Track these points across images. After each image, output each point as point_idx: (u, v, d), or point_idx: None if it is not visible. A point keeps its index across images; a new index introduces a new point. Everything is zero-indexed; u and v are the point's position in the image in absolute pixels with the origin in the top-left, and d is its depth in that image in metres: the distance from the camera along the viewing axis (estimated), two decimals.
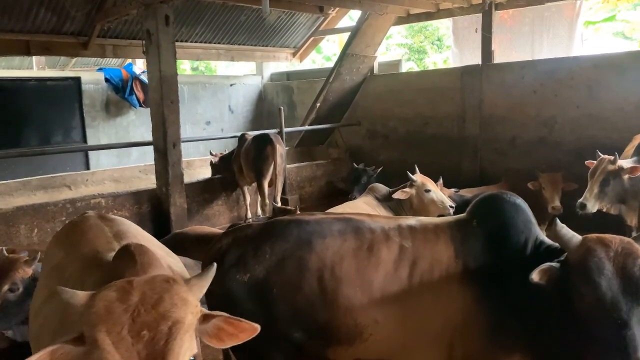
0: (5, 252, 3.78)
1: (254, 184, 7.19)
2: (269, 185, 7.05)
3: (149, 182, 7.18)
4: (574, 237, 2.05)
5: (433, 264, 2.33)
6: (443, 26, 20.16)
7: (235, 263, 2.40)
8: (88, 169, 9.05)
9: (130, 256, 1.86)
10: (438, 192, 5.40)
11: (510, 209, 2.35)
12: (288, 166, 8.14)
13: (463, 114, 8.22)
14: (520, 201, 2.39)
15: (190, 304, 1.52)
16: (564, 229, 2.07)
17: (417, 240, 2.40)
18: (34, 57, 11.44)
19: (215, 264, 1.71)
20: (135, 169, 7.99)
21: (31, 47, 7.75)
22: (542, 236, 2.32)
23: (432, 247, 2.37)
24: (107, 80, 9.97)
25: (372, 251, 2.36)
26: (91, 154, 9.61)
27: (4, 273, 3.50)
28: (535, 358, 2.25)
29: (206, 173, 8.39)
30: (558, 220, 2.10)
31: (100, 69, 10.73)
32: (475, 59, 8.50)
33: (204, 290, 1.64)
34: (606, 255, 1.92)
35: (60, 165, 8.40)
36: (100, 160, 9.77)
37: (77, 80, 9.49)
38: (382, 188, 6.31)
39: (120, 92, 9.99)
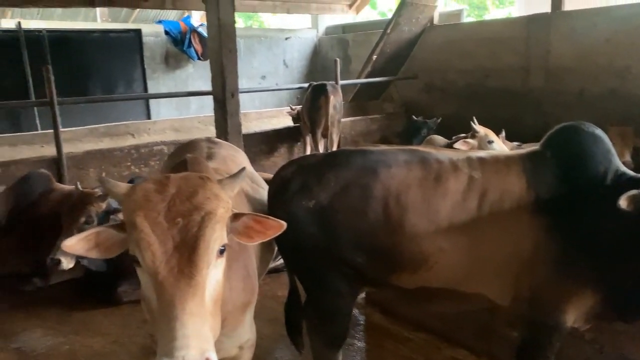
0: (79, 187, 4.01)
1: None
2: (323, 136, 7.07)
3: (208, 132, 7.34)
4: None
5: (503, 195, 2.27)
6: None
7: (300, 190, 2.42)
8: (149, 119, 9.35)
9: (183, 165, 2.10)
10: (501, 144, 5.24)
11: (588, 139, 2.24)
12: (342, 120, 8.09)
13: (527, 65, 7.84)
14: (599, 132, 2.27)
15: (221, 199, 1.62)
16: None
17: (487, 171, 2.34)
18: (98, 10, 11.75)
19: (245, 168, 1.83)
20: (195, 119, 8.18)
21: None
22: (624, 168, 2.20)
23: (503, 178, 2.30)
24: (166, 32, 10.13)
25: (439, 181, 2.32)
26: (152, 105, 9.89)
27: (80, 206, 3.72)
28: (608, 293, 2.19)
29: (262, 126, 8.49)
30: None
31: (159, 22, 10.90)
32: (544, 7, 8.02)
33: (236, 190, 1.76)
34: None
35: (123, 115, 8.69)
36: (160, 112, 10.06)
37: (138, 32, 9.69)
38: (441, 140, 6.19)
39: (179, 44, 10.14)
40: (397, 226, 2.29)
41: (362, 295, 4.29)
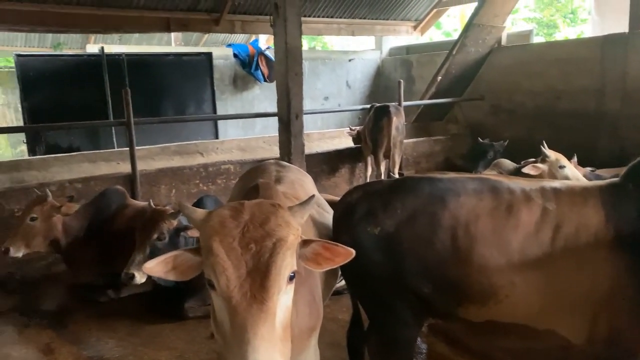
0: (152, 204, 4.20)
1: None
2: (385, 157, 7.06)
3: (272, 152, 7.50)
4: None
5: (580, 228, 2.16)
6: None
7: (365, 216, 2.42)
8: (217, 138, 9.70)
9: (256, 189, 2.19)
10: (573, 169, 5.00)
11: None
12: (405, 141, 8.05)
13: (602, 87, 7.50)
14: None
15: (292, 226, 1.66)
16: None
17: (562, 203, 2.24)
18: (172, 34, 12.43)
19: (314, 195, 1.86)
20: (260, 139, 8.39)
21: (171, 24, 8.45)
22: None
23: (579, 210, 2.20)
24: (235, 55, 10.55)
25: (511, 212, 2.25)
26: (220, 125, 10.28)
27: (153, 223, 3.88)
28: None
29: (323, 146, 8.57)
30: None
31: (229, 45, 11.36)
32: (620, 27, 7.68)
33: (305, 217, 1.79)
34: None
35: (193, 134, 9.09)
36: (227, 131, 10.42)
37: (209, 55, 10.14)
38: (509, 164, 6.00)
39: (247, 67, 10.53)
40: (465, 257, 2.24)
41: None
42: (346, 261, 1.74)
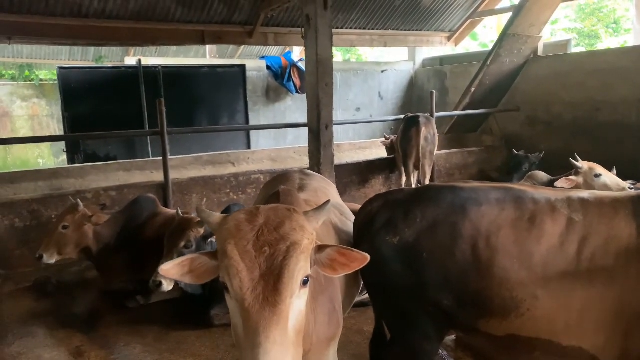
0: (180, 213, 4.27)
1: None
2: (415, 168, 6.98)
3: (303, 162, 7.54)
4: None
5: (609, 241, 2.07)
6: (621, 7, 17.91)
7: (385, 225, 2.39)
8: (249, 148, 9.82)
9: (277, 196, 2.22)
10: (612, 176, 4.82)
11: None
12: (437, 152, 7.94)
13: None
14: None
15: (306, 231, 1.66)
16: None
17: (590, 214, 2.15)
18: (207, 47, 12.71)
19: (331, 201, 1.85)
20: (290, 150, 8.45)
21: (205, 37, 8.64)
22: None
23: (609, 222, 2.10)
24: (268, 67, 10.70)
25: (534, 222, 2.18)
26: (252, 135, 10.41)
27: (180, 231, 3.93)
28: None
29: (354, 157, 8.56)
30: None
31: (262, 57, 11.54)
32: None
33: (321, 222, 1.78)
34: None
35: (226, 144, 9.23)
36: (259, 142, 10.55)
37: (243, 67, 10.32)
38: (543, 176, 5.85)
39: (279, 78, 10.66)
40: (486, 269, 2.17)
41: (452, 337, 4.09)
42: (362, 266, 1.73)
